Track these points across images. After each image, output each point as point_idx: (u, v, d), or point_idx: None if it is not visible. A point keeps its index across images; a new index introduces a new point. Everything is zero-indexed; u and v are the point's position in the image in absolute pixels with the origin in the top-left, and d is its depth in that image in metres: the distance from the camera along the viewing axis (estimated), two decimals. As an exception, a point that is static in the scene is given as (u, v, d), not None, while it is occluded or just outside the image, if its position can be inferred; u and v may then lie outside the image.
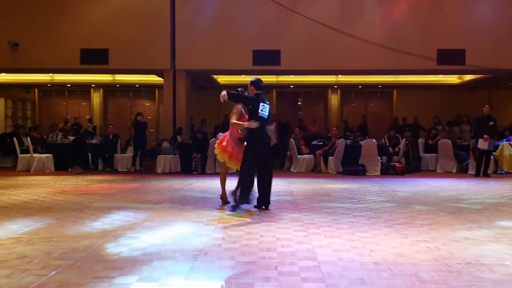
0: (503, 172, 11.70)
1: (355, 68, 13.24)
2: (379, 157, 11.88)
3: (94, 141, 12.96)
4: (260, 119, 6.27)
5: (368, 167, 11.71)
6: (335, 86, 18.10)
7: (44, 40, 13.08)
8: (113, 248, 4.32)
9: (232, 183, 6.74)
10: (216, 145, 6.85)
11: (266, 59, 13.03)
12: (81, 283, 3.37)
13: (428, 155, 13.13)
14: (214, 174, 11.63)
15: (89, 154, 12.43)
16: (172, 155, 12.10)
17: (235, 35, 13.10)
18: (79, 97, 18.82)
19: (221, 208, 6.55)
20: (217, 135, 12.21)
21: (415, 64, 12.88)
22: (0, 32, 13.12)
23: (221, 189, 6.95)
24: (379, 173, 11.63)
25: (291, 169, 12.57)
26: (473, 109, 14.82)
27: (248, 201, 6.29)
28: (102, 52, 13.09)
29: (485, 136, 10.84)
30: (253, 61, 13.02)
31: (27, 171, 11.82)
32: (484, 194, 8.04)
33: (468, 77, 15.90)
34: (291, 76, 16.63)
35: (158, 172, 11.89)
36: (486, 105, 11.22)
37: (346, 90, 18.44)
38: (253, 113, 6.29)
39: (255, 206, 6.44)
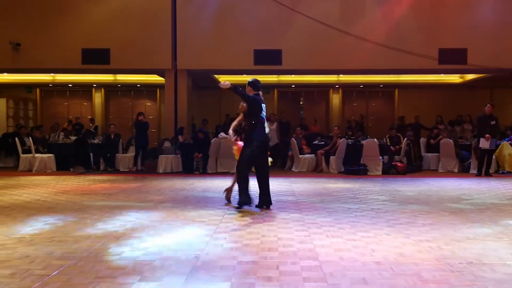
0: (505, 172, 11.68)
1: (356, 67, 13.23)
2: (380, 157, 11.88)
3: (95, 141, 12.98)
4: (258, 118, 6.31)
5: (370, 167, 11.70)
6: (337, 86, 18.09)
7: (45, 40, 13.10)
8: (115, 248, 4.33)
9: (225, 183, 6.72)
10: (234, 146, 6.79)
11: (268, 58, 13.02)
12: (83, 283, 3.37)
13: (429, 154, 13.12)
14: (215, 174, 11.65)
15: (91, 154, 12.45)
16: (173, 155, 12.11)
17: (236, 35, 13.10)
18: (80, 97, 18.85)
19: (223, 207, 6.55)
20: (219, 135, 12.22)
21: (417, 64, 12.86)
22: (2, 32, 13.14)
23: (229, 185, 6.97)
24: (380, 173, 11.63)
25: (293, 169, 12.57)
26: (475, 109, 14.78)
27: (249, 201, 6.29)
28: (104, 52, 13.10)
29: (487, 135, 10.83)
30: (255, 60, 13.02)
31: (29, 171, 11.84)
32: (486, 194, 8.03)
33: (470, 77, 15.88)
34: (293, 75, 16.63)
35: (160, 172, 11.90)
36: (488, 105, 11.21)
37: (347, 89, 18.43)
38: (255, 114, 6.29)
39: (256, 206, 6.45)
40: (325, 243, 4.52)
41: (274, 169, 11.00)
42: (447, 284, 3.38)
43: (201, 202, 7.06)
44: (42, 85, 18.17)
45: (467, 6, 13.00)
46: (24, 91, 18.04)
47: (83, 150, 12.33)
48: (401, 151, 12.46)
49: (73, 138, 13.18)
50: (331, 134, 13.84)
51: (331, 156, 12.03)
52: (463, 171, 12.05)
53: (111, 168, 12.45)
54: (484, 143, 10.87)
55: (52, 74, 16.48)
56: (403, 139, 12.72)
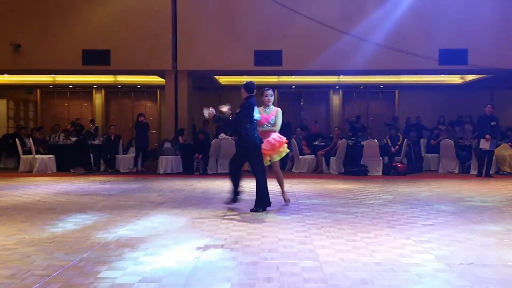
0: (505, 173, 11.68)
1: (356, 68, 13.22)
2: (381, 158, 11.87)
3: (96, 142, 12.98)
4: (250, 122, 6.35)
5: (370, 168, 11.70)
6: (337, 87, 18.09)
7: (46, 42, 13.11)
8: (115, 249, 4.33)
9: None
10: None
11: (268, 59, 13.03)
12: (84, 284, 3.37)
13: (430, 155, 13.12)
14: (215, 174, 11.65)
15: (91, 155, 12.45)
16: (173, 156, 12.11)
17: (237, 36, 13.11)
18: (81, 98, 18.86)
19: (223, 208, 6.55)
20: (219, 136, 12.23)
21: (417, 64, 12.86)
22: (3, 34, 13.15)
23: (281, 190, 6.93)
24: (381, 174, 11.63)
25: (293, 170, 12.57)
26: (476, 109, 14.78)
27: (269, 203, 6.40)
28: (104, 53, 13.11)
29: (487, 136, 10.83)
30: (255, 61, 13.03)
31: (29, 172, 11.84)
32: (486, 195, 8.03)
33: (470, 77, 15.87)
34: (293, 76, 16.62)
35: (160, 172, 11.90)
36: (488, 105, 11.20)
37: (347, 90, 18.43)
38: (247, 121, 6.32)
39: (228, 203, 6.52)
40: (325, 244, 4.52)
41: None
42: (448, 285, 3.37)
43: (201, 202, 7.06)
44: (43, 86, 18.19)
45: (468, 6, 12.99)
46: (24, 92, 18.06)
47: (84, 151, 12.33)
48: (401, 152, 12.45)
49: (74, 139, 13.19)
50: (331, 135, 13.84)
51: (331, 157, 12.03)
52: (464, 172, 12.05)
53: (112, 169, 12.46)
54: (484, 144, 10.87)
55: (52, 75, 16.50)
56: (402, 139, 12.71)
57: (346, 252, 4.23)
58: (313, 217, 5.91)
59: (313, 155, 12.51)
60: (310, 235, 4.88)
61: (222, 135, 12.16)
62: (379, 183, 9.85)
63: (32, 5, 13.22)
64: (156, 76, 15.28)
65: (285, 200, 6.95)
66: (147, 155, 13.24)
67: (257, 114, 6.46)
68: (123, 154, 12.99)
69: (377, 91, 18.55)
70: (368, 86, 17.98)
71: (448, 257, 4.08)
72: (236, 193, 6.47)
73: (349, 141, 12.52)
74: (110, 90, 18.65)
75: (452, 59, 12.91)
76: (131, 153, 12.91)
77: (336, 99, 18.47)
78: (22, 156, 12.15)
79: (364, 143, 12.20)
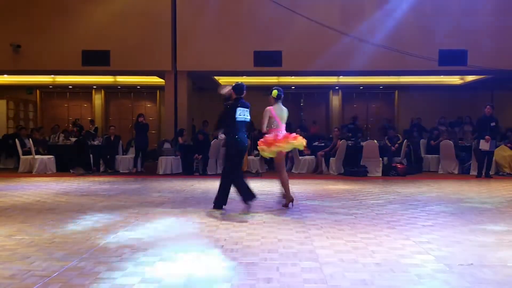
0: (505, 173, 11.68)
1: (356, 69, 13.22)
2: (380, 158, 11.88)
3: (95, 143, 12.98)
4: (237, 123, 6.43)
5: (370, 168, 11.70)
6: (337, 87, 18.10)
7: (46, 42, 13.10)
8: (115, 249, 4.33)
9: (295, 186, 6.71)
10: (259, 147, 6.78)
11: (268, 60, 13.02)
12: (84, 284, 3.37)
13: (429, 156, 13.12)
14: (215, 175, 11.63)
15: (91, 155, 12.45)
16: (173, 156, 12.11)
17: (236, 36, 13.11)
18: (80, 99, 18.85)
19: (223, 209, 6.55)
20: (219, 136, 12.22)
21: (417, 65, 12.86)
22: (2, 34, 13.15)
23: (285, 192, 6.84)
24: (380, 174, 11.64)
25: (293, 170, 12.57)
26: (475, 110, 14.79)
27: (253, 195, 6.45)
28: (104, 54, 13.10)
29: (487, 137, 10.83)
30: (255, 62, 13.02)
31: (29, 173, 11.84)
32: (486, 195, 8.03)
33: (470, 78, 15.87)
34: (293, 77, 16.63)
35: (160, 173, 11.90)
36: (488, 106, 11.20)
37: (347, 91, 18.43)
38: (231, 119, 6.42)
39: (215, 207, 6.52)
40: (325, 245, 4.52)
41: (274, 171, 10.99)
42: (448, 286, 3.38)
43: (201, 203, 7.06)
44: (42, 87, 18.18)
45: (467, 7, 12.99)
46: (24, 92, 18.06)
47: (83, 152, 12.33)
48: (401, 152, 12.46)
49: (73, 139, 13.19)
50: (331, 136, 13.84)
51: (331, 158, 12.03)
52: (463, 172, 12.05)
53: (111, 169, 12.45)
54: (484, 145, 10.87)
55: (52, 75, 16.49)
56: (402, 139, 12.71)
57: (345, 252, 4.24)
58: (312, 217, 5.91)
59: (313, 156, 12.52)
60: (310, 236, 4.89)
61: (222, 136, 12.14)
62: (379, 184, 9.86)
63: (32, 5, 13.21)
64: (155, 77, 15.28)
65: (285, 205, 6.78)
66: (146, 155, 13.24)
67: (242, 115, 6.47)
68: (123, 154, 12.99)
69: (376, 92, 18.55)
70: (367, 87, 17.98)
71: (447, 257, 4.08)
72: (249, 193, 6.43)
73: (349, 141, 12.53)
74: (110, 90, 18.64)
75: (452, 59, 12.90)
76: (131, 154, 12.91)
77: (335, 100, 18.47)
78: (22, 156, 12.15)
79: (363, 143, 12.20)
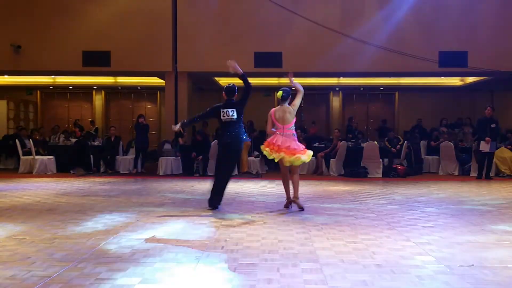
0: (505, 175, 11.68)
1: (356, 70, 13.22)
2: (381, 159, 11.87)
3: (96, 143, 12.98)
4: (222, 123, 6.56)
5: (370, 169, 11.70)
6: (337, 88, 18.09)
7: (46, 43, 13.11)
8: (115, 250, 4.33)
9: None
10: (262, 147, 6.77)
11: (268, 61, 13.02)
12: (84, 284, 3.37)
13: (430, 157, 13.12)
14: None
15: (91, 156, 12.45)
16: (173, 157, 12.11)
17: (237, 37, 13.11)
18: (81, 99, 18.85)
19: (223, 209, 6.55)
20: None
21: (417, 66, 12.86)
22: (3, 35, 13.15)
23: (285, 194, 6.80)
24: (380, 175, 11.63)
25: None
26: (476, 112, 14.80)
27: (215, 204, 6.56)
28: (104, 54, 13.11)
29: (487, 138, 10.83)
30: (255, 63, 13.02)
31: (29, 173, 11.83)
32: (486, 197, 8.03)
33: (470, 79, 15.86)
34: (293, 78, 16.59)
35: (160, 174, 11.89)
36: (488, 107, 11.20)
37: (347, 92, 18.43)
38: (218, 119, 6.60)
39: (212, 207, 6.55)
40: (325, 246, 4.52)
41: (275, 171, 11.01)
42: (448, 287, 3.37)
43: (201, 204, 7.05)
44: (43, 87, 18.18)
45: (468, 8, 13.00)
46: (24, 93, 18.05)
47: (84, 152, 12.33)
48: (401, 154, 12.45)
49: (73, 140, 13.18)
50: (331, 137, 13.83)
51: (331, 159, 12.03)
52: (463, 174, 12.05)
53: (111, 170, 12.45)
54: (484, 146, 10.87)
55: (52, 76, 16.47)
56: (403, 141, 12.71)
57: (346, 253, 4.23)
58: (313, 218, 5.91)
59: (313, 157, 12.49)
60: (310, 237, 4.88)
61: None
62: (379, 185, 9.86)
63: (32, 5, 13.22)
64: (156, 78, 15.28)
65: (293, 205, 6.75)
66: (147, 156, 13.23)
67: (226, 116, 6.50)
68: (123, 155, 12.99)
69: (377, 93, 18.55)
70: (368, 88, 17.97)
71: (448, 259, 4.08)
72: (216, 199, 6.56)
73: (349, 143, 12.53)
74: (110, 91, 18.64)
75: (452, 61, 12.90)
76: (131, 154, 12.90)
77: (336, 101, 18.46)
78: (22, 157, 12.14)
79: (364, 145, 12.20)
